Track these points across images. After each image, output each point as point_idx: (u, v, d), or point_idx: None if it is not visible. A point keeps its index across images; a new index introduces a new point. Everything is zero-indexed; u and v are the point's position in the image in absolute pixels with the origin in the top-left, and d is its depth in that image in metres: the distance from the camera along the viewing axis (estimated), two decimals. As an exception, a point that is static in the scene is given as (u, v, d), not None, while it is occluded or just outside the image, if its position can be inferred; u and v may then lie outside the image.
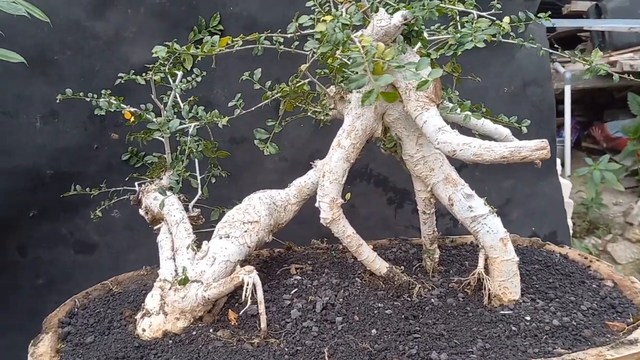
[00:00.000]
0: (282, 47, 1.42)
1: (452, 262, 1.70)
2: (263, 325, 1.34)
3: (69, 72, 2.16)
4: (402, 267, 1.59)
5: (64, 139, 2.17)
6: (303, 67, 1.42)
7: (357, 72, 1.03)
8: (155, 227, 1.66)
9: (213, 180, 1.77)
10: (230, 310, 1.47)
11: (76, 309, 1.54)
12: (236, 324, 1.42)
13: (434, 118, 1.36)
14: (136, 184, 1.88)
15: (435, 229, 1.63)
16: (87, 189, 1.92)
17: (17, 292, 2.23)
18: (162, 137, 1.64)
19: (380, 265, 1.55)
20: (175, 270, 1.50)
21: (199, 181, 1.64)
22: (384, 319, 1.39)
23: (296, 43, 1.40)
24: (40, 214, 2.21)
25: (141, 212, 1.76)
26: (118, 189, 1.96)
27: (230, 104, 1.57)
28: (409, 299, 1.49)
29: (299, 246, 1.92)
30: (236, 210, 1.58)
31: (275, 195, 1.67)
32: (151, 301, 1.41)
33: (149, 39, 2.15)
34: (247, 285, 1.31)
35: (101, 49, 2.18)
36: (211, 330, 1.37)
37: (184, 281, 1.38)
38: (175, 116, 1.60)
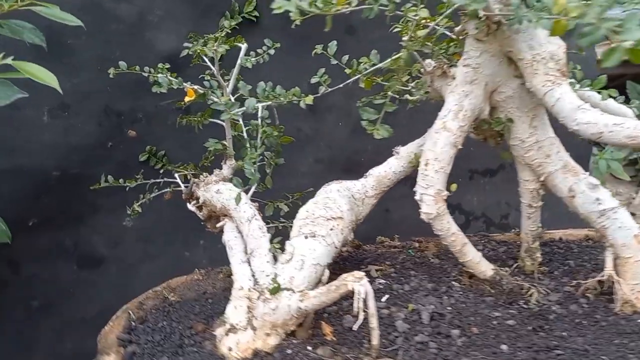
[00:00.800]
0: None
1: (551, 262, 1.51)
2: (375, 341, 1.12)
3: (83, 58, 1.81)
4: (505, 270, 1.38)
5: (75, 135, 1.81)
6: (420, 32, 1.19)
7: (588, 24, 0.80)
8: (218, 225, 1.42)
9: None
10: (323, 323, 1.24)
11: (133, 323, 1.29)
12: (334, 339, 1.20)
13: (568, 95, 1.16)
14: (177, 175, 1.64)
15: (540, 225, 1.43)
16: (121, 181, 1.67)
17: (5, 316, 1.82)
18: (224, 120, 1.39)
19: (485, 268, 1.35)
20: (253, 276, 1.26)
21: (254, 170, 1.37)
22: (509, 332, 1.19)
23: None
24: (40, 223, 1.83)
25: (191, 207, 1.52)
26: (157, 180, 1.72)
27: (313, 80, 1.34)
28: (525, 306, 1.28)
29: (366, 244, 1.70)
30: (313, 204, 1.35)
31: (352, 187, 1.45)
32: (235, 314, 1.18)
33: (175, 24, 1.85)
34: (359, 294, 1.08)
35: (122, 34, 1.84)
36: (309, 348, 1.15)
37: (276, 290, 1.15)
38: (230, 97, 1.36)
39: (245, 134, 1.35)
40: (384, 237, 1.74)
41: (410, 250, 1.59)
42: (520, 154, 1.33)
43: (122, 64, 1.41)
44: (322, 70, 1.34)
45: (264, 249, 1.29)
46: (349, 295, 1.10)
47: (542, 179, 1.33)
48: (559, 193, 1.32)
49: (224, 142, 1.41)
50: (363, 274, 1.10)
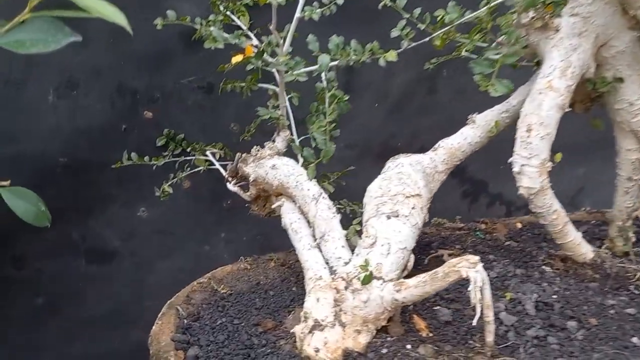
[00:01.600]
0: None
1: (640, 242, 1.34)
2: (489, 338, 0.94)
3: (93, 30, 1.56)
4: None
5: (84, 117, 1.55)
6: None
7: None
8: (274, 206, 1.21)
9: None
10: (415, 316, 1.05)
11: (185, 320, 1.08)
12: (430, 335, 1.01)
13: None
14: (209, 153, 1.43)
15: (637, 200, 1.26)
16: (147, 159, 1.45)
17: (7, 315, 1.63)
18: (277, 85, 1.19)
19: (586, 250, 1.18)
20: (327, 263, 1.07)
21: (326, 140, 1.18)
22: (632, 322, 1.03)
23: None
24: (45, 215, 1.61)
25: (232, 187, 1.31)
26: (188, 158, 1.50)
27: (393, 34, 1.13)
28: (637, 292, 1.12)
29: (424, 228, 1.51)
30: (386, 181, 1.16)
31: (422, 161, 1.26)
32: (318, 308, 0.98)
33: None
34: (475, 283, 0.90)
35: (137, 2, 1.60)
36: (408, 347, 0.96)
37: (368, 279, 0.96)
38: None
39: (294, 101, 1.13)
40: (441, 219, 1.55)
41: (478, 232, 1.41)
42: (626, 119, 1.16)
43: (171, 13, 1.18)
44: (403, 22, 1.13)
45: (337, 232, 1.09)
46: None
47: (649, 148, 1.16)
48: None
49: (279, 112, 1.20)
50: (477, 258, 0.92)
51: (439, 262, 1.25)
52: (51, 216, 1.60)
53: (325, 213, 1.11)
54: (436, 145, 1.29)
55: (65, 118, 1.52)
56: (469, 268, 0.90)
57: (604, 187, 2.28)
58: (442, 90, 1.89)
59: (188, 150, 1.52)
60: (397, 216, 1.07)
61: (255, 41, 1.10)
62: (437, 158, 1.27)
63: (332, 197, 1.17)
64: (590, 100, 1.22)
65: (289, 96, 1.28)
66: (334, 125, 1.10)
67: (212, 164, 1.45)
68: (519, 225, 1.48)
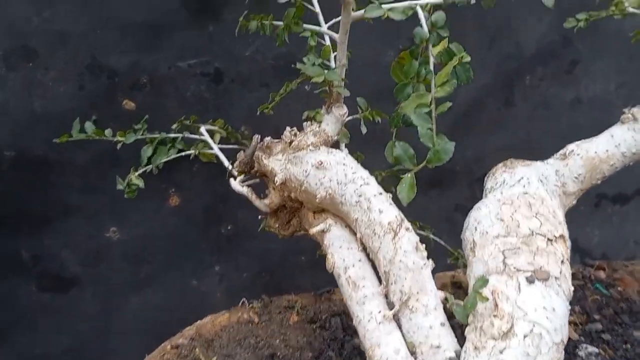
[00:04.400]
0: None
1: None
2: None
3: None
4: None
5: (42, 98, 1.12)
6: None
7: None
8: (315, 230, 0.71)
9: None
10: None
11: None
12: None
13: None
14: (204, 129, 0.94)
15: None
16: (109, 132, 0.97)
17: None
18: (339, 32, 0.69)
19: None
20: (413, 354, 0.55)
21: (432, 131, 0.66)
22: None
23: None
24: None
25: (238, 186, 0.80)
26: (174, 135, 1.02)
27: None
28: None
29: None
30: (507, 205, 0.67)
31: (549, 175, 0.76)
32: None
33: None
34: None
35: None
36: None
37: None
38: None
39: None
40: None
41: (599, 285, 0.91)
42: None
43: None
44: None
45: (432, 295, 0.58)
46: None
47: None
48: None
49: (333, 73, 0.69)
50: None
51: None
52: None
53: (412, 258, 0.59)
54: (565, 150, 0.80)
55: (15, 98, 1.11)
56: None
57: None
58: (520, 103, 1.41)
59: (173, 127, 1.01)
60: (547, 279, 0.56)
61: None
62: (568, 172, 0.78)
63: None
64: None
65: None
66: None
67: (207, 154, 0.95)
68: (651, 276, 0.99)
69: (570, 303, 0.86)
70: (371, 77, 1.04)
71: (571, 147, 0.80)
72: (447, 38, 0.61)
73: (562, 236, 0.64)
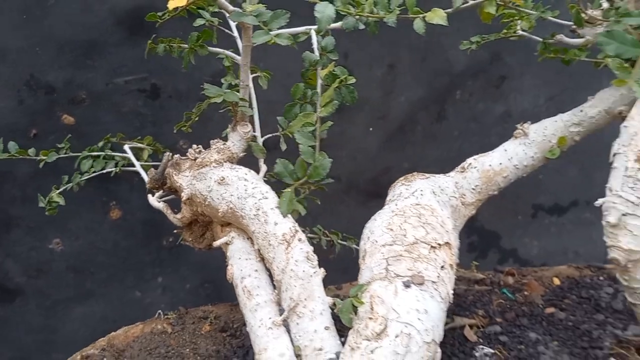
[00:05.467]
0: None
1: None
2: None
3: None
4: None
5: None
6: None
7: None
8: (219, 243, 0.73)
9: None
10: None
11: None
12: None
13: None
14: (127, 147, 0.96)
15: None
16: (31, 152, 0.98)
17: None
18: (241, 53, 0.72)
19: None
20: (298, 357, 0.58)
21: (314, 148, 0.69)
22: None
23: None
24: None
25: (155, 202, 0.83)
26: (95, 154, 1.03)
27: None
28: None
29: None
30: (399, 216, 0.70)
31: (446, 187, 0.80)
32: None
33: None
34: None
35: None
36: None
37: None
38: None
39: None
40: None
41: (506, 290, 0.95)
42: None
43: None
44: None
45: (319, 301, 0.61)
46: None
47: None
48: None
49: (238, 94, 0.72)
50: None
51: (457, 335, 0.78)
52: None
53: (302, 267, 0.62)
54: (465, 164, 0.84)
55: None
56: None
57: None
58: (453, 117, 1.45)
59: (100, 145, 1.03)
60: (422, 283, 0.60)
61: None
62: (466, 184, 0.82)
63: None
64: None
65: (255, 75, 0.81)
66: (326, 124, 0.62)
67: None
68: (557, 282, 1.04)
69: (475, 307, 0.91)
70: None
71: (470, 160, 0.84)
72: (334, 62, 0.65)
73: (447, 243, 0.68)
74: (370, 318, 0.57)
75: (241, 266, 0.68)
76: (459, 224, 0.82)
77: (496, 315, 0.87)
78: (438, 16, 0.59)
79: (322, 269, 0.65)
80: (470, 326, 0.85)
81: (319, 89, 0.63)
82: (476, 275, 1.02)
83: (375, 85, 1.34)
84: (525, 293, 0.96)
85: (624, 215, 0.64)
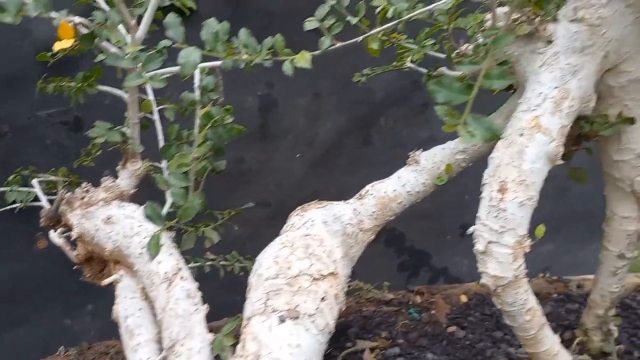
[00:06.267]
0: None
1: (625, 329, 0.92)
2: None
3: None
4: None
5: None
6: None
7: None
8: (106, 282, 0.71)
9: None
10: None
11: None
12: None
13: None
14: (35, 182, 0.94)
15: (624, 284, 0.85)
16: None
17: None
18: (127, 90, 0.72)
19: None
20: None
21: (186, 189, 0.68)
22: None
23: None
24: None
25: (56, 238, 0.80)
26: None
27: (309, 25, 0.68)
28: None
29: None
30: (286, 248, 0.70)
31: (343, 215, 0.81)
32: None
33: None
34: None
35: None
36: None
37: None
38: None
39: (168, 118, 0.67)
40: (363, 283, 1.08)
41: (413, 310, 0.96)
42: (628, 176, 0.76)
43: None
44: (326, 8, 0.68)
45: (198, 340, 0.60)
46: None
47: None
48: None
49: (125, 130, 0.71)
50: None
51: None
52: None
53: (182, 305, 0.61)
54: (363, 191, 0.85)
55: None
56: None
57: (579, 267, 1.85)
58: (377, 143, 1.46)
59: (9, 179, 1.01)
60: (297, 317, 0.60)
61: (77, 18, 0.62)
62: (364, 210, 0.83)
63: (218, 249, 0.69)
64: (573, 143, 0.81)
65: (161, 107, 0.81)
66: (205, 162, 0.62)
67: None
68: (464, 299, 1.05)
69: (380, 329, 0.91)
70: (234, 120, 1.07)
71: (367, 187, 0.85)
72: (212, 101, 0.65)
73: (332, 274, 0.68)
74: (242, 355, 0.57)
75: (126, 305, 0.67)
76: (355, 251, 0.82)
77: (399, 336, 0.88)
78: (304, 59, 0.60)
79: (205, 306, 0.64)
80: (372, 349, 0.85)
81: (196, 129, 0.63)
82: (386, 296, 1.03)
83: (301, 114, 1.35)
84: (432, 312, 0.97)
85: (489, 243, 0.66)
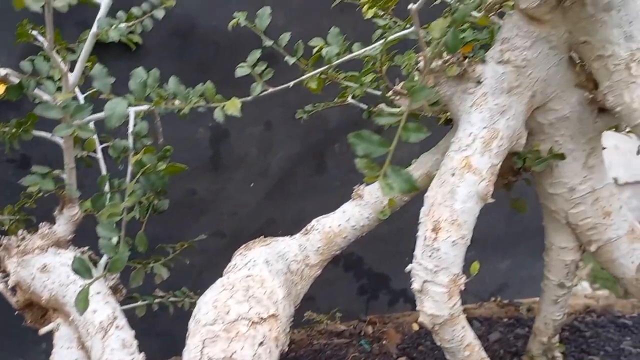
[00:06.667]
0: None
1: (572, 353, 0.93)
2: None
3: None
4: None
5: None
6: (413, 6, 0.59)
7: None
8: (44, 330, 0.69)
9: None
10: None
11: None
12: None
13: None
14: None
15: (566, 312, 0.86)
16: None
17: None
18: (62, 137, 0.70)
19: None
20: None
21: (116, 241, 0.67)
22: None
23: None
24: None
25: (-1, 286, 0.78)
26: None
27: (240, 72, 0.68)
28: None
29: (292, 331, 1.04)
30: (226, 291, 0.69)
31: (287, 252, 0.80)
32: None
33: None
34: None
35: None
36: None
37: None
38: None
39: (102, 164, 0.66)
40: (314, 314, 1.07)
41: (364, 341, 0.95)
42: (562, 208, 0.77)
43: None
44: (257, 53, 0.68)
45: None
46: None
47: (592, 248, 0.77)
48: (620, 271, 0.75)
49: (62, 175, 0.70)
50: None
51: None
52: None
53: (118, 355, 0.60)
54: (309, 226, 0.85)
55: None
56: None
57: (536, 281, 1.85)
58: (332, 169, 1.46)
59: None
60: (232, 365, 0.59)
61: (3, 70, 0.60)
62: (310, 246, 0.82)
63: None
64: (513, 174, 0.82)
65: (105, 145, 0.79)
66: (156, 192, 0.61)
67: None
68: (416, 327, 1.04)
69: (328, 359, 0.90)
70: (184, 152, 1.04)
71: (313, 222, 0.85)
72: (144, 147, 0.64)
73: (272, 315, 0.67)
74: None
75: (62, 355, 0.65)
76: (300, 288, 0.81)
77: (349, 371, 0.87)
78: (234, 106, 0.60)
79: (142, 355, 0.63)
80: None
81: (128, 177, 0.62)
82: (338, 327, 1.02)
83: (253, 143, 1.34)
84: (383, 342, 0.96)
85: (425, 282, 0.66)
